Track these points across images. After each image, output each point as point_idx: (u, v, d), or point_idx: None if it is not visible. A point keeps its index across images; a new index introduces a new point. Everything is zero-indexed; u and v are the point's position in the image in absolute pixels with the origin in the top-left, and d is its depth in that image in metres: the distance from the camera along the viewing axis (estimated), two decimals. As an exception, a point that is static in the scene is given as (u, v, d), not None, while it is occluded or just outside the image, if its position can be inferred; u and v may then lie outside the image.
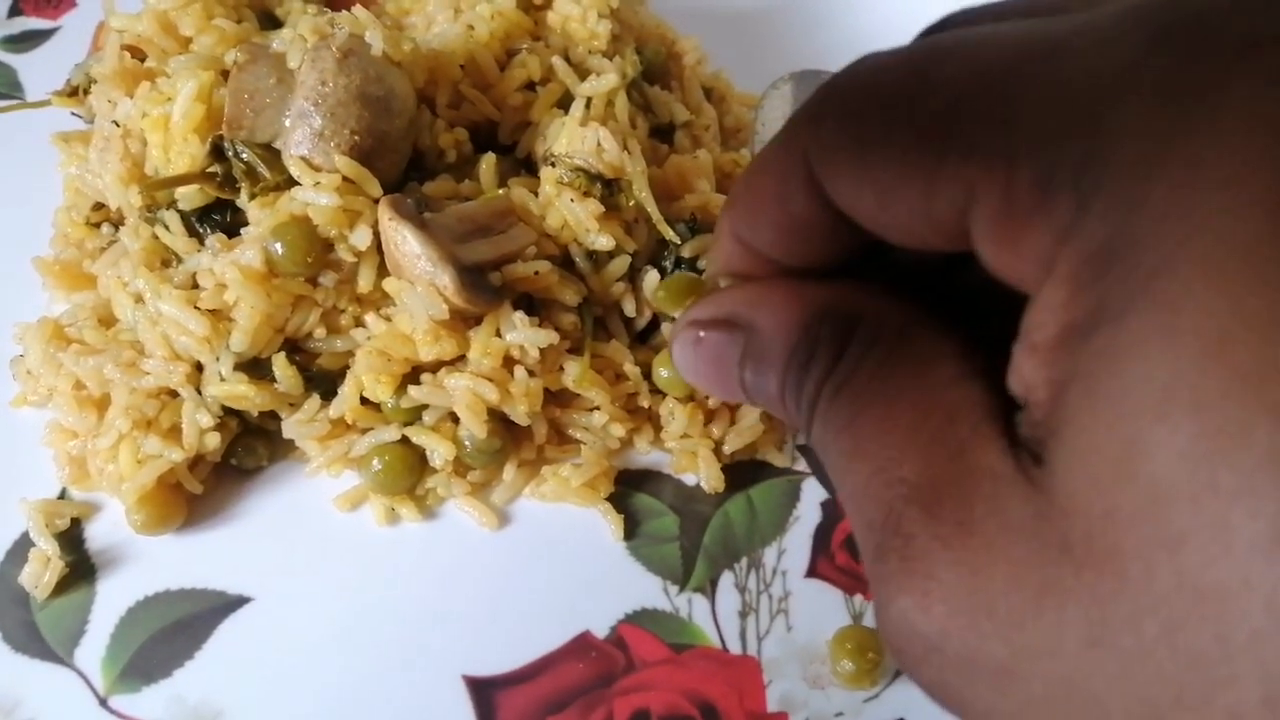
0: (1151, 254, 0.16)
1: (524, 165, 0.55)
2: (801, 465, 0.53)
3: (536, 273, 0.49)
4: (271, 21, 0.60)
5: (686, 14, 0.69)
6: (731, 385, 0.25)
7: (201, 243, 0.51)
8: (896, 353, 0.22)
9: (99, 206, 0.57)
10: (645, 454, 0.53)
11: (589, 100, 0.54)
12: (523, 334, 0.48)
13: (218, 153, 0.50)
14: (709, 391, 0.28)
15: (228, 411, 0.50)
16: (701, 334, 0.25)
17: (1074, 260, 0.17)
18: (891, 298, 0.23)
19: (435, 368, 0.49)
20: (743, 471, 0.53)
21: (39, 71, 0.70)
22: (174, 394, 0.50)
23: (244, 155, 0.50)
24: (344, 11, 0.53)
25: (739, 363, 0.25)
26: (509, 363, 0.49)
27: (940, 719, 0.42)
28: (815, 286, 0.24)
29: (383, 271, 0.49)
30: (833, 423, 0.22)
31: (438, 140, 0.53)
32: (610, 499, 0.51)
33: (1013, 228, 0.19)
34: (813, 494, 0.52)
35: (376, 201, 0.49)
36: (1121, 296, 0.16)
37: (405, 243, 0.46)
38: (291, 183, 0.49)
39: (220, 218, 0.52)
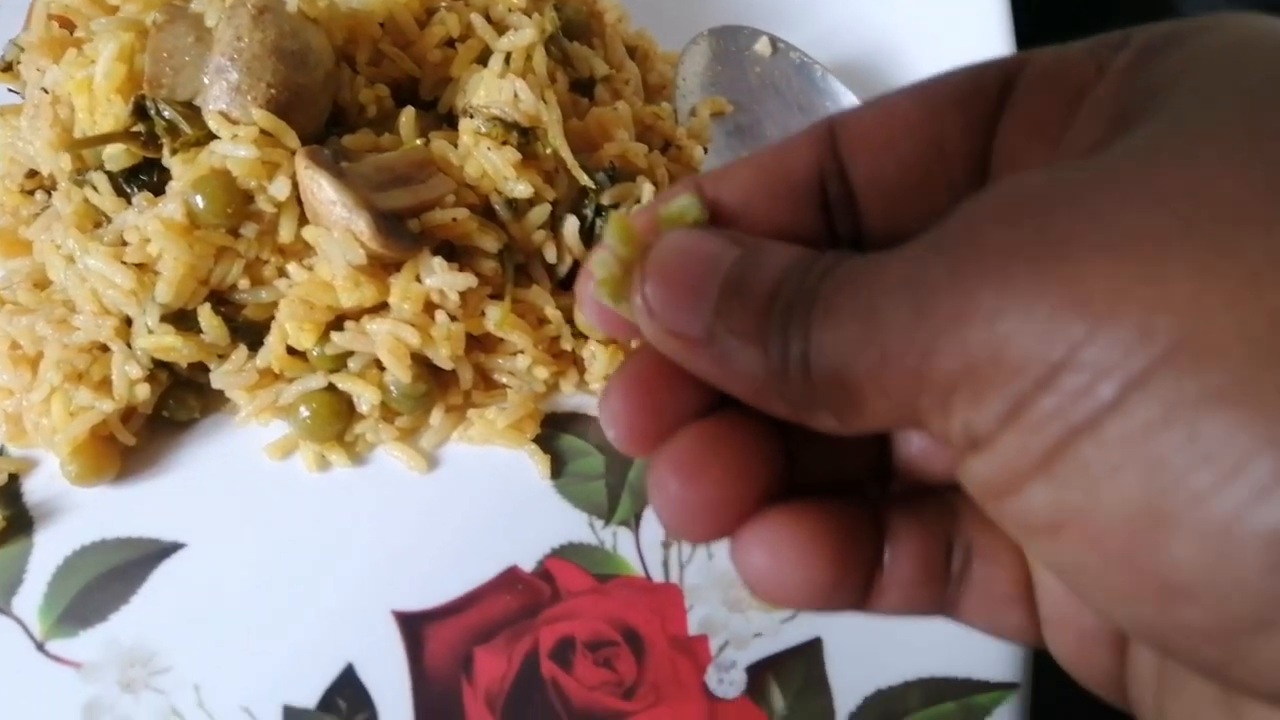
0: None
1: (445, 120, 0.56)
2: (724, 404, 0.55)
3: (455, 219, 0.50)
4: (195, -14, 0.61)
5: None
6: (710, 289, 0.23)
7: (129, 202, 0.52)
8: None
9: (33, 174, 0.58)
10: (571, 396, 0.54)
11: (508, 55, 0.55)
12: (441, 278, 0.49)
13: (141, 112, 0.51)
14: (674, 296, 0.23)
15: (158, 364, 0.51)
16: (704, 236, 0.24)
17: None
18: None
19: (359, 315, 0.50)
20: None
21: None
22: (105, 348, 0.51)
23: (165, 113, 0.51)
24: (260, -29, 0.54)
25: (731, 266, 0.23)
26: (430, 308, 0.50)
27: (853, 640, 0.44)
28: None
29: (304, 222, 0.50)
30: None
31: (358, 96, 0.54)
32: (537, 440, 0.53)
33: None
34: (735, 430, 0.54)
35: (295, 153, 0.50)
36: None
37: (321, 190, 0.47)
38: (212, 137, 0.50)
39: (148, 177, 0.53)
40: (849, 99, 0.64)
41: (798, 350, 0.21)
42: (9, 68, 0.63)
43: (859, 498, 0.26)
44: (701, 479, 0.23)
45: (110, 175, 0.53)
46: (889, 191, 0.25)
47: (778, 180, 0.26)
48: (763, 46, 0.66)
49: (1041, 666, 0.45)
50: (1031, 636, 0.26)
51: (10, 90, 0.64)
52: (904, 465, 0.27)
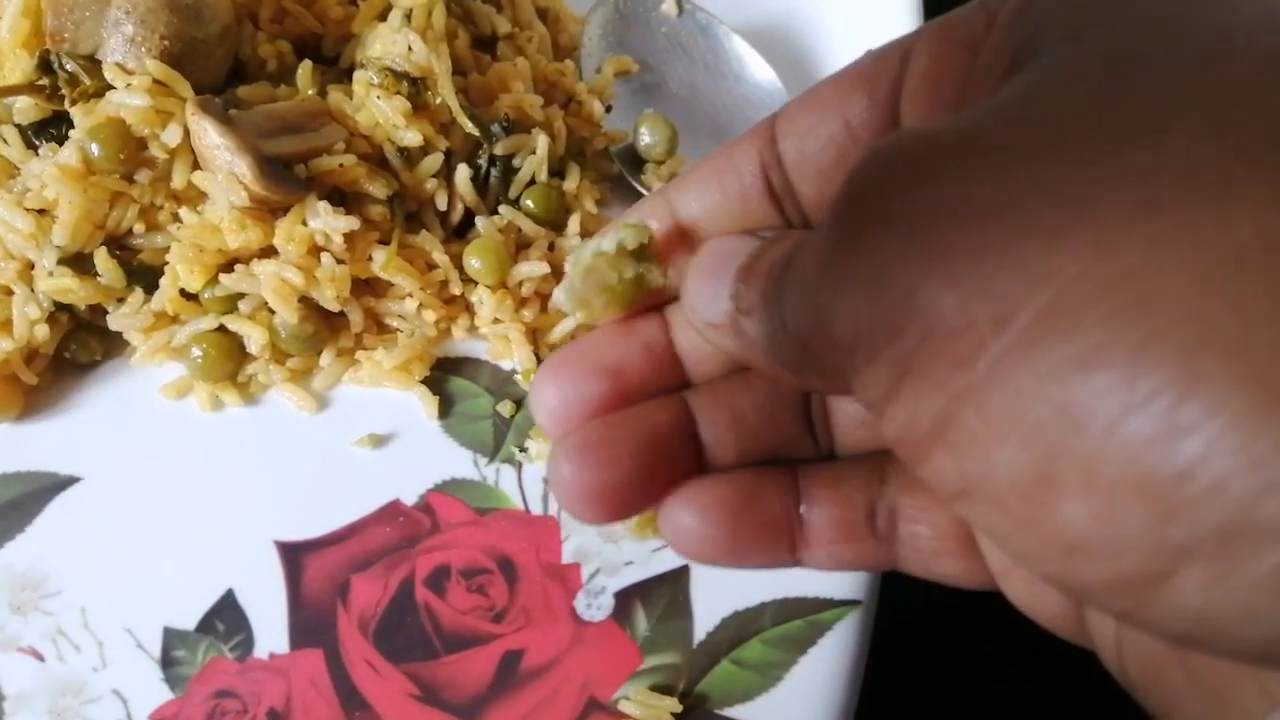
0: None
1: (346, 76, 0.58)
2: (614, 349, 0.56)
3: (341, 165, 0.52)
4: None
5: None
6: (729, 268, 0.26)
7: (37, 154, 0.54)
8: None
9: (-51, 130, 0.60)
10: (462, 341, 0.56)
11: (408, 11, 0.57)
12: (325, 221, 0.51)
13: (45, 65, 0.53)
14: (703, 281, 0.27)
15: (60, 307, 0.53)
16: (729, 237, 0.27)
17: None
18: None
19: (249, 259, 0.52)
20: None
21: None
22: (9, 292, 0.53)
23: (68, 66, 0.53)
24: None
25: (750, 251, 0.26)
26: (316, 251, 0.52)
27: (719, 569, 0.46)
28: None
29: (197, 169, 0.52)
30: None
31: (259, 51, 0.56)
32: (427, 383, 0.54)
33: None
34: (622, 374, 0.55)
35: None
36: None
37: (206, 135, 0.49)
38: (110, 88, 0.52)
39: (56, 131, 0.55)
40: (754, 58, 0.66)
41: (778, 320, 0.23)
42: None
43: (781, 468, 0.29)
44: (595, 464, 0.27)
45: (20, 128, 0.55)
46: (815, 173, 0.27)
47: (729, 179, 0.28)
48: (669, 7, 0.68)
49: (887, 585, 0.46)
50: (976, 581, 0.27)
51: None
52: (841, 431, 0.30)
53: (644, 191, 0.61)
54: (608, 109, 0.63)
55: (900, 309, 0.19)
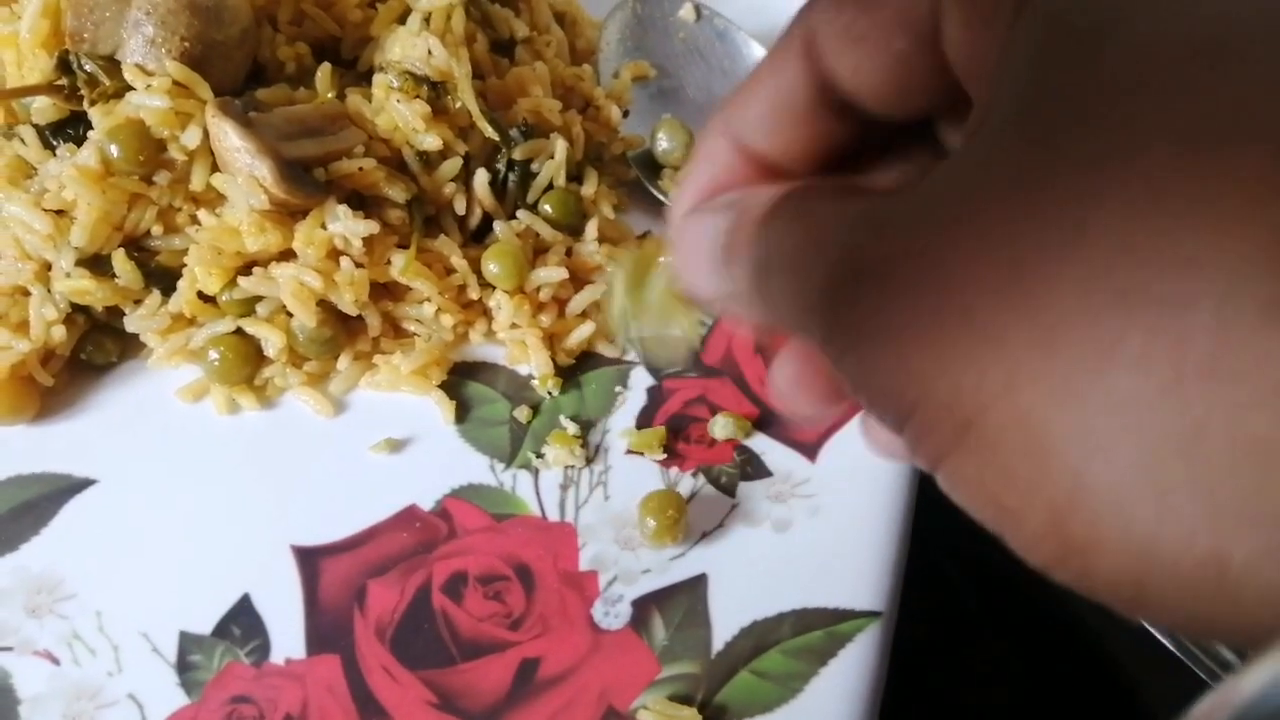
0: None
1: (364, 79, 0.58)
2: (631, 356, 0.56)
3: (361, 169, 0.52)
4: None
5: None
6: (711, 255, 0.26)
7: (55, 154, 0.54)
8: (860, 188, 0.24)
9: (-34, 129, 0.60)
10: (480, 346, 0.56)
11: (427, 15, 0.57)
12: (345, 225, 0.51)
13: (64, 66, 0.53)
14: (691, 272, 0.27)
15: (76, 308, 0.53)
16: (700, 215, 0.27)
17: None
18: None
19: (268, 262, 0.52)
20: (575, 361, 0.56)
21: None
22: (26, 292, 0.53)
23: (87, 66, 0.52)
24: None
25: (726, 230, 0.26)
26: (335, 255, 0.52)
27: (736, 576, 0.45)
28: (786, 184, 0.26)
29: (215, 171, 0.52)
30: (793, 235, 0.23)
31: (278, 53, 0.56)
32: (444, 388, 0.54)
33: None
34: (640, 380, 0.55)
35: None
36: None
37: (226, 137, 0.49)
38: (130, 89, 0.52)
39: (74, 131, 0.55)
40: (772, 65, 0.66)
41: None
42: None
43: None
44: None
45: (38, 129, 0.54)
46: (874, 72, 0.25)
47: (782, 100, 0.26)
48: (687, 12, 0.67)
49: (906, 598, 0.46)
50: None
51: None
52: None
53: (660, 197, 0.61)
54: (625, 114, 0.63)
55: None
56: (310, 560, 0.49)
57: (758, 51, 0.66)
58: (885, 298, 0.19)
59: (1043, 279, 0.16)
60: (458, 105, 0.54)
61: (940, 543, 0.51)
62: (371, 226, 0.51)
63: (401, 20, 0.58)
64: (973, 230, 0.18)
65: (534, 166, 0.57)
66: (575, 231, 0.57)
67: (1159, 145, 0.16)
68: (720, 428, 0.52)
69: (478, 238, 0.57)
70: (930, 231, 0.19)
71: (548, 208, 0.57)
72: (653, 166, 0.63)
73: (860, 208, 0.21)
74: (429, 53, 0.54)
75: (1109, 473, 0.16)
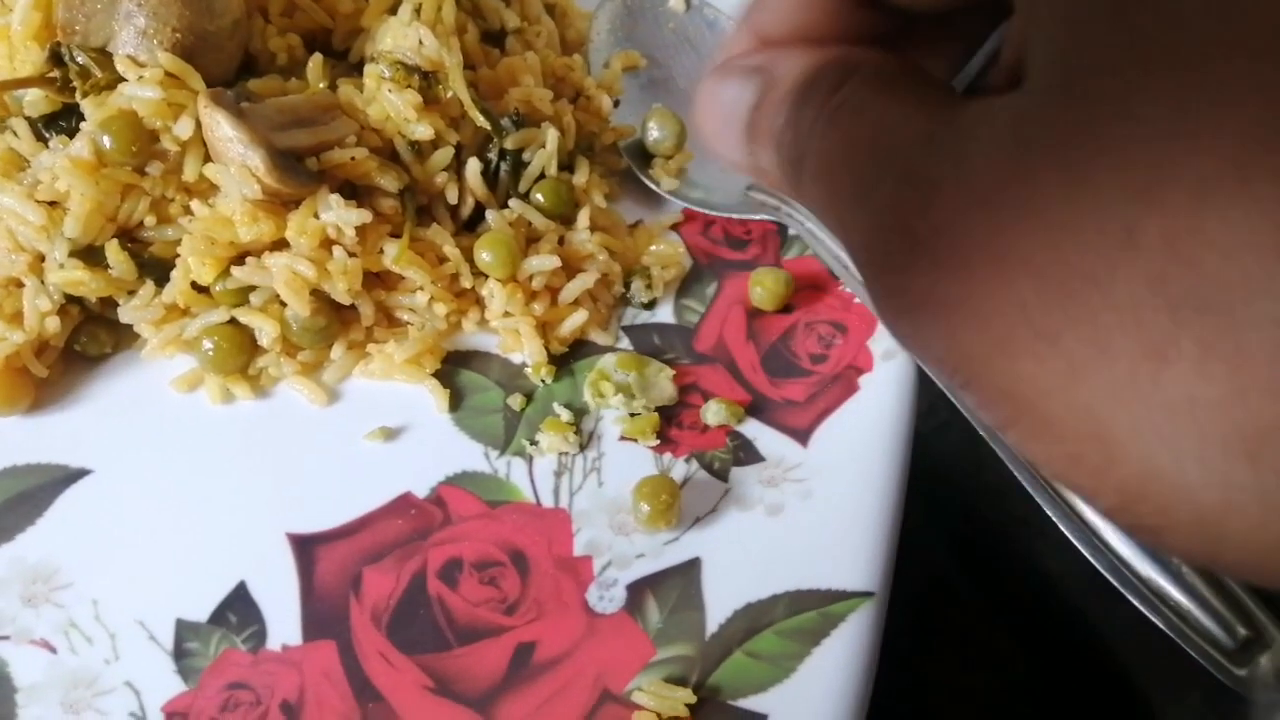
0: None
1: (356, 70, 0.58)
2: (625, 343, 0.56)
3: (353, 158, 0.52)
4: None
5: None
6: (737, 131, 0.26)
7: (47, 146, 0.54)
8: (901, 76, 0.23)
9: (-40, 122, 0.60)
10: (473, 335, 0.56)
11: (418, 6, 0.57)
12: (337, 214, 0.51)
13: (56, 58, 0.53)
14: (715, 142, 0.27)
15: (70, 299, 0.53)
16: (724, 79, 0.26)
17: None
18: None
19: (261, 252, 0.52)
20: (567, 349, 0.56)
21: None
22: (20, 284, 0.53)
23: (79, 58, 0.53)
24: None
25: (751, 105, 0.25)
26: (328, 244, 0.52)
27: (729, 559, 0.46)
28: (833, 45, 0.25)
29: (208, 162, 0.52)
30: (829, 139, 0.23)
31: (269, 44, 0.56)
32: (438, 376, 0.54)
33: None
34: (632, 368, 0.55)
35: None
36: None
37: (219, 127, 0.49)
38: (122, 81, 0.52)
39: (66, 123, 0.55)
40: (762, 56, 0.66)
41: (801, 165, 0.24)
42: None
43: None
44: None
45: (30, 121, 0.55)
46: None
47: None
48: (676, 2, 0.68)
49: (898, 580, 0.47)
50: None
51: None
52: None
53: (652, 186, 0.61)
54: (615, 104, 0.63)
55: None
56: (306, 548, 0.49)
57: (747, 41, 0.66)
58: (942, 271, 0.19)
59: (1096, 284, 0.17)
60: (449, 95, 0.55)
61: (932, 526, 0.51)
62: (364, 215, 0.51)
63: (392, 11, 0.58)
64: (1025, 220, 0.18)
65: (525, 156, 0.57)
66: (567, 220, 0.58)
67: (1209, 142, 0.16)
68: (712, 414, 0.53)
69: (470, 227, 0.58)
70: (987, 204, 0.19)
71: (540, 197, 0.57)
72: (644, 155, 0.63)
73: (927, 125, 0.21)
74: (420, 43, 0.55)
75: (1176, 469, 0.17)
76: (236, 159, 0.49)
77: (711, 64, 0.28)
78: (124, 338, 0.55)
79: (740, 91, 0.25)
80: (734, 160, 0.26)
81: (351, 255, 0.52)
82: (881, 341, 0.54)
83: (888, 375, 0.53)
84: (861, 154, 0.21)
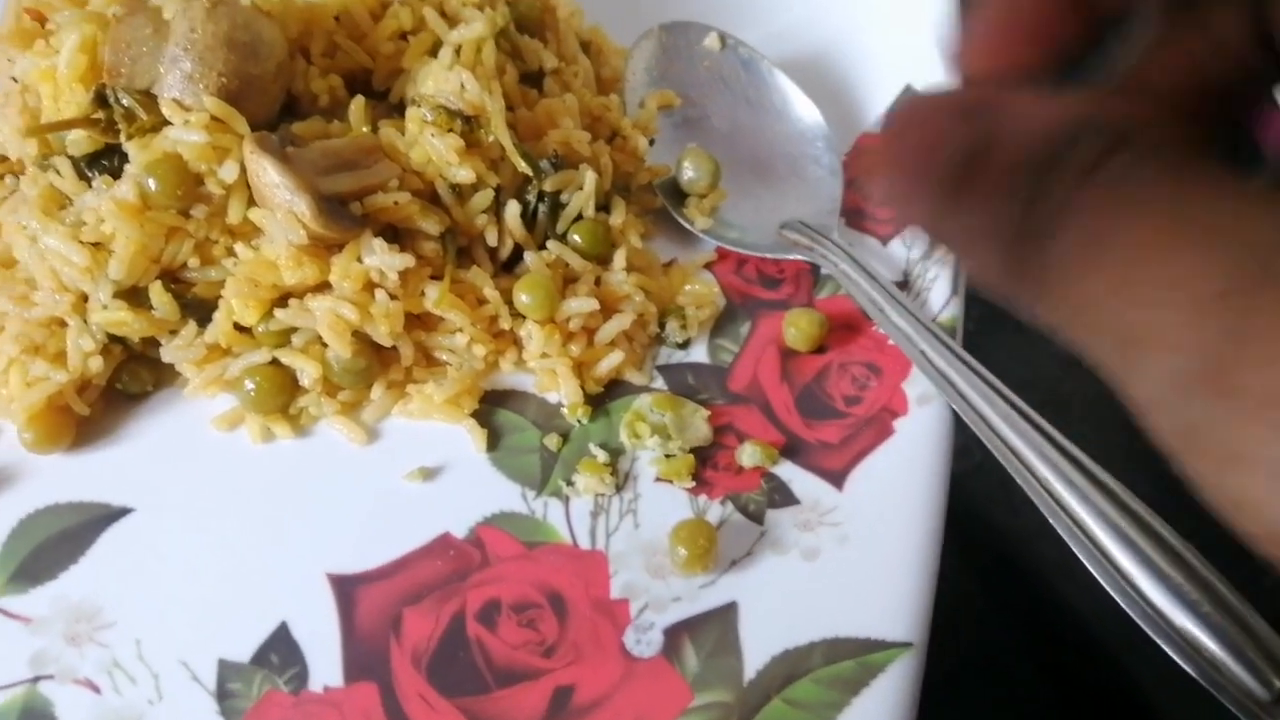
0: None
1: (397, 111, 0.59)
2: (659, 383, 0.57)
3: (396, 203, 0.52)
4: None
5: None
6: (937, 181, 0.21)
7: (90, 185, 0.55)
8: (1186, 164, 0.18)
9: (3, 159, 0.61)
10: (510, 374, 0.57)
11: (458, 48, 0.58)
12: (381, 258, 0.51)
13: (101, 99, 0.54)
14: (898, 185, 0.22)
15: (112, 338, 0.53)
16: (930, 115, 0.22)
17: None
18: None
19: (303, 293, 0.53)
20: (603, 389, 0.56)
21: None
22: (63, 323, 0.53)
23: (124, 100, 0.53)
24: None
25: (966, 157, 0.20)
26: (370, 287, 0.52)
27: (766, 604, 0.46)
28: (1070, 96, 0.21)
29: (252, 205, 0.52)
30: (1093, 228, 0.18)
31: (311, 86, 0.57)
32: (476, 416, 0.55)
33: None
34: (667, 408, 0.56)
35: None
36: None
37: (265, 173, 0.50)
38: (167, 123, 0.52)
39: (108, 162, 0.55)
40: (796, 93, 0.67)
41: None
42: (-13, 60, 0.66)
43: None
44: None
45: (73, 160, 0.55)
46: None
47: None
48: (712, 42, 0.68)
49: (937, 628, 0.47)
50: None
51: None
52: None
53: (686, 225, 0.62)
54: (650, 142, 0.64)
55: None
56: (346, 588, 0.50)
57: (782, 81, 0.67)
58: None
59: None
60: (490, 139, 0.55)
61: (965, 566, 0.52)
62: (407, 260, 0.51)
63: (433, 53, 0.59)
64: None
65: (563, 197, 0.58)
66: (604, 261, 0.58)
67: None
68: (747, 456, 0.53)
69: (508, 267, 0.58)
70: None
71: (577, 238, 0.57)
72: (678, 195, 0.63)
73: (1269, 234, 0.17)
74: (462, 87, 0.55)
75: None
76: (282, 204, 0.50)
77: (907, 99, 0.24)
78: (165, 375, 0.56)
79: (951, 136, 0.21)
80: (915, 211, 0.22)
81: (393, 298, 0.52)
82: (916, 384, 0.54)
83: (923, 419, 0.53)
84: (1166, 256, 0.17)
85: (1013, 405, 0.48)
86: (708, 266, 0.62)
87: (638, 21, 0.72)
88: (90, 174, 0.55)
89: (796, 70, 0.68)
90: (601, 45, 0.69)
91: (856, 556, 0.49)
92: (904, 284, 0.59)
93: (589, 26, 0.69)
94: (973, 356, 0.51)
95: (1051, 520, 0.46)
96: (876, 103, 0.69)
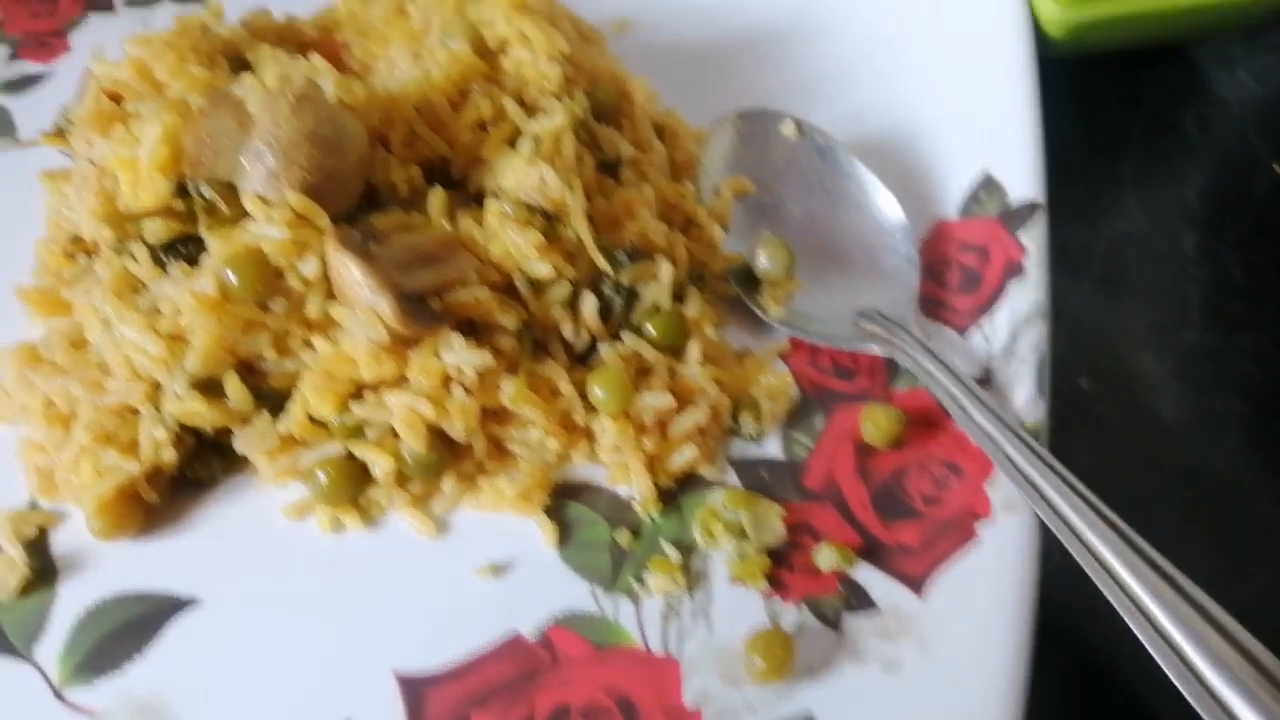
0: None
1: (474, 200, 0.59)
2: (732, 479, 0.56)
3: (476, 299, 0.52)
4: (243, 66, 0.64)
5: (641, 51, 0.74)
6: None
7: (166, 271, 0.55)
8: None
9: (76, 239, 0.61)
10: (581, 467, 0.56)
11: (537, 138, 0.58)
12: (459, 356, 0.51)
13: (181, 190, 0.54)
14: None
15: (184, 427, 0.53)
16: None
17: None
18: None
19: (378, 386, 0.52)
20: (675, 483, 0.55)
21: (33, 113, 0.75)
22: (135, 411, 0.53)
23: (205, 192, 0.54)
24: (301, 59, 0.57)
25: None
26: (447, 382, 0.52)
27: (842, 715, 0.45)
28: None
29: (330, 297, 0.52)
30: None
31: (391, 175, 0.57)
32: (546, 509, 0.54)
33: None
34: (741, 506, 0.55)
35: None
36: None
37: (348, 272, 0.50)
38: (247, 216, 0.53)
39: (184, 249, 0.56)
40: (873, 181, 0.66)
41: None
42: (60, 134, 0.67)
43: None
44: None
45: (149, 246, 0.56)
46: None
47: None
48: (788, 129, 0.68)
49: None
50: None
51: (61, 153, 0.68)
52: None
53: (760, 314, 0.61)
54: (724, 229, 0.63)
55: None
56: (415, 689, 0.49)
57: (859, 169, 0.66)
58: None
59: None
60: (569, 233, 0.55)
61: (1045, 669, 0.49)
62: (486, 359, 0.51)
63: (511, 142, 0.59)
64: None
65: (638, 288, 0.57)
66: (678, 352, 0.57)
67: None
68: (824, 558, 0.52)
69: (581, 357, 0.57)
70: None
71: (651, 329, 0.57)
72: (752, 282, 0.63)
73: None
74: (543, 182, 0.55)
75: None
76: (364, 303, 0.50)
77: None
78: (234, 462, 0.56)
79: None
80: None
81: (470, 394, 0.52)
82: (1000, 488, 0.53)
83: (1009, 526, 0.51)
84: None
85: (1099, 513, 0.47)
86: (781, 356, 0.61)
87: (710, 101, 0.72)
88: (166, 260, 0.55)
89: (868, 153, 0.67)
90: (676, 129, 0.68)
91: (941, 672, 0.48)
92: (985, 380, 0.58)
93: (663, 110, 0.69)
94: (1054, 456, 0.49)
95: (1134, 626, 0.44)
96: (952, 188, 0.68)
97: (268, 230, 0.51)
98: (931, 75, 0.74)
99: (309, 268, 0.51)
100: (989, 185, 0.67)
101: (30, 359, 0.55)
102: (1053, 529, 0.48)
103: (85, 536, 0.53)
